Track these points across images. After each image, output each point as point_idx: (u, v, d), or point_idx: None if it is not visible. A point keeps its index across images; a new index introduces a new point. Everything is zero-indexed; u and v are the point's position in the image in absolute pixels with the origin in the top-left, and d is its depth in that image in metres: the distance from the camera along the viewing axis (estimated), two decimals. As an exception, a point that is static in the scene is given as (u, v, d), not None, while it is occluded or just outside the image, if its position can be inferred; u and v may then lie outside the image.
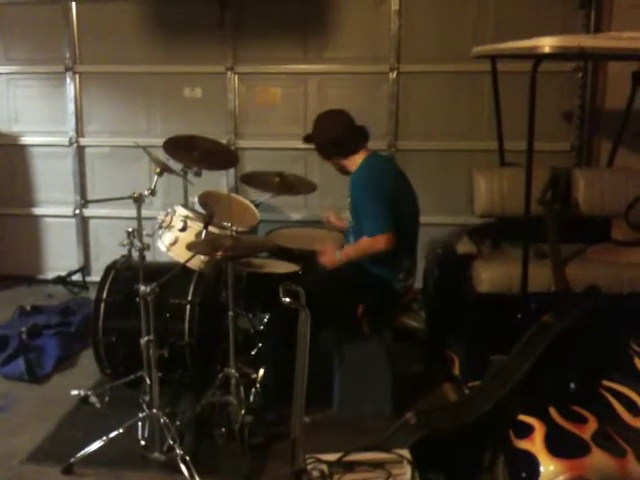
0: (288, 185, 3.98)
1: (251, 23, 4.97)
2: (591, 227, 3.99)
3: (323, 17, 4.90)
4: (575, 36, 3.57)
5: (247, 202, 3.98)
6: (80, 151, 5.33)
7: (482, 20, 4.75)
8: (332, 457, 2.39)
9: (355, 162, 3.36)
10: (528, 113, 3.09)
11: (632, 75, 4.01)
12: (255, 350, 3.69)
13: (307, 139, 3.47)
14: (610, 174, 4.08)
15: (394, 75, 4.90)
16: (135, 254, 3.15)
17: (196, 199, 3.73)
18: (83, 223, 5.44)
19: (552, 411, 2.42)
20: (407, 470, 2.35)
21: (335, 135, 3.37)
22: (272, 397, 3.24)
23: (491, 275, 3.60)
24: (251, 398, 3.27)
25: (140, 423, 3.10)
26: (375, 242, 3.20)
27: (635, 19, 4.35)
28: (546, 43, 2.88)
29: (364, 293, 3.34)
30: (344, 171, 3.44)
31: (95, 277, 5.08)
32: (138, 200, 3.06)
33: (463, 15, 4.79)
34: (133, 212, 3.13)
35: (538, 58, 2.99)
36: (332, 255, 3.36)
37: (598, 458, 2.22)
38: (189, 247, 3.01)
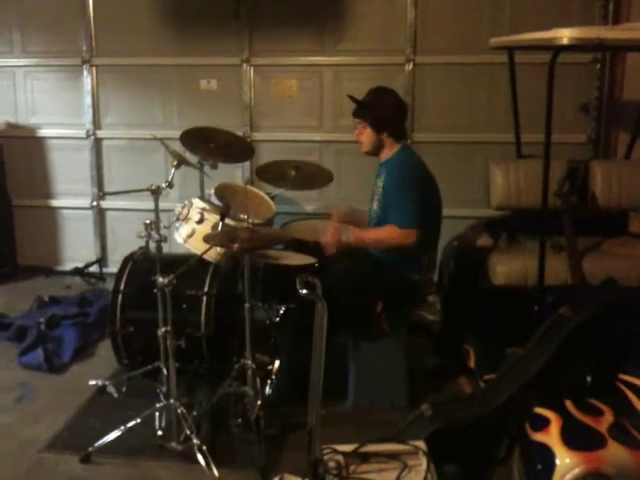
0: (305, 178, 3.98)
1: (266, 15, 4.97)
2: (608, 220, 3.97)
3: (339, 8, 4.89)
4: (593, 27, 3.55)
5: (263, 194, 3.99)
6: (97, 143, 5.37)
7: (499, 11, 4.72)
8: (348, 448, 2.41)
9: (391, 149, 3.35)
10: (546, 105, 3.07)
11: (651, 66, 3.98)
12: (271, 341, 3.70)
13: (361, 103, 3.36)
14: (628, 166, 4.05)
15: (410, 67, 4.89)
16: (152, 246, 3.18)
17: (212, 191, 3.75)
18: (100, 215, 5.48)
19: (568, 404, 2.42)
20: (423, 461, 2.36)
21: (398, 113, 3.37)
22: (287, 389, 3.25)
23: (507, 268, 3.60)
24: (267, 389, 3.29)
25: (157, 413, 3.13)
26: (405, 235, 3.15)
27: (654, 10, 4.32)
28: (564, 34, 2.87)
29: (383, 290, 3.32)
30: (375, 151, 3.38)
31: (112, 268, 5.12)
32: (155, 192, 3.08)
33: (480, 6, 4.76)
34: (150, 204, 3.15)
35: (556, 50, 2.97)
36: (337, 234, 3.32)
37: (614, 451, 2.21)
38: (206, 239, 3.03)
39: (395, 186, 3.25)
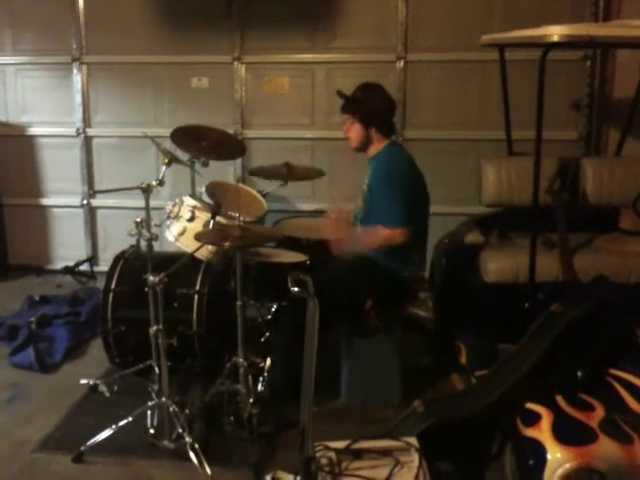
0: (295, 175, 3.98)
1: (258, 12, 4.96)
2: (599, 217, 3.98)
3: (330, 6, 4.88)
4: (584, 24, 3.55)
5: (254, 192, 3.98)
6: (87, 141, 5.35)
7: (490, 8, 4.73)
8: (340, 445, 2.41)
9: (379, 145, 3.35)
10: (536, 102, 3.08)
11: (641, 64, 3.99)
12: (263, 339, 3.70)
13: (349, 99, 3.35)
14: (618, 163, 4.07)
15: (401, 64, 4.89)
16: (143, 244, 3.17)
17: (204, 189, 3.74)
18: (91, 213, 5.46)
19: (559, 399, 2.43)
20: (415, 458, 2.36)
21: (386, 108, 3.36)
22: (280, 387, 3.25)
23: (499, 265, 3.60)
24: (259, 387, 3.29)
25: (149, 411, 3.13)
26: (395, 235, 3.17)
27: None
28: (555, 32, 2.88)
29: (374, 287, 3.32)
30: (363, 147, 3.38)
31: (103, 267, 5.11)
32: (146, 190, 3.08)
33: (471, 3, 4.77)
34: (141, 202, 3.14)
35: (547, 47, 2.98)
36: (341, 229, 3.35)
37: (605, 445, 2.22)
38: (197, 237, 3.03)
39: (381, 184, 3.26)
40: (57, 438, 3.19)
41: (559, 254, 3.46)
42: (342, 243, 3.31)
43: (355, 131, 3.35)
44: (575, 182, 3.92)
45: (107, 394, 3.43)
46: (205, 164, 3.72)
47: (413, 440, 2.43)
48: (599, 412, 2.36)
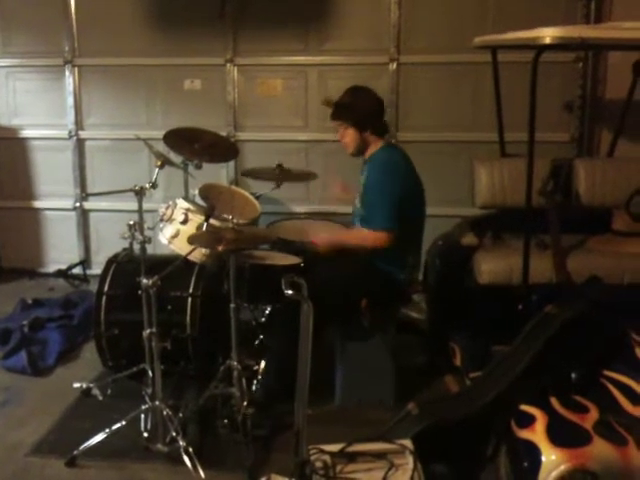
0: (288, 177, 3.98)
1: (251, 15, 4.95)
2: (592, 218, 3.99)
3: (323, 8, 4.88)
4: (576, 27, 3.57)
5: (248, 194, 3.97)
6: (80, 144, 5.33)
7: (483, 10, 4.74)
8: (335, 448, 2.41)
9: (375, 146, 3.36)
10: (529, 104, 3.09)
11: (633, 65, 4.01)
12: (257, 342, 3.69)
13: (339, 105, 3.37)
14: (611, 164, 4.08)
15: (394, 66, 4.89)
16: (136, 247, 3.16)
17: (197, 192, 3.73)
18: (84, 216, 5.44)
19: (553, 401, 2.43)
20: (409, 460, 2.36)
21: (377, 108, 3.37)
22: (274, 389, 3.24)
23: (492, 266, 3.61)
24: (253, 389, 3.28)
25: (143, 415, 3.12)
26: (378, 237, 3.20)
27: (635, 8, 4.34)
28: (547, 34, 2.88)
29: (369, 288, 3.32)
30: (360, 151, 3.39)
31: (96, 270, 5.08)
32: (139, 193, 3.07)
33: (464, 5, 4.77)
34: (134, 205, 3.13)
35: (539, 49, 2.99)
36: (321, 237, 3.36)
37: (599, 447, 2.23)
38: (190, 240, 3.02)
39: (372, 186, 3.28)
40: (50, 442, 3.18)
41: (552, 255, 3.47)
42: (325, 240, 3.32)
43: (350, 136, 3.35)
44: (568, 183, 3.93)
45: (100, 398, 3.42)
46: (198, 166, 3.72)
47: (407, 442, 2.43)
48: (593, 414, 2.36)
